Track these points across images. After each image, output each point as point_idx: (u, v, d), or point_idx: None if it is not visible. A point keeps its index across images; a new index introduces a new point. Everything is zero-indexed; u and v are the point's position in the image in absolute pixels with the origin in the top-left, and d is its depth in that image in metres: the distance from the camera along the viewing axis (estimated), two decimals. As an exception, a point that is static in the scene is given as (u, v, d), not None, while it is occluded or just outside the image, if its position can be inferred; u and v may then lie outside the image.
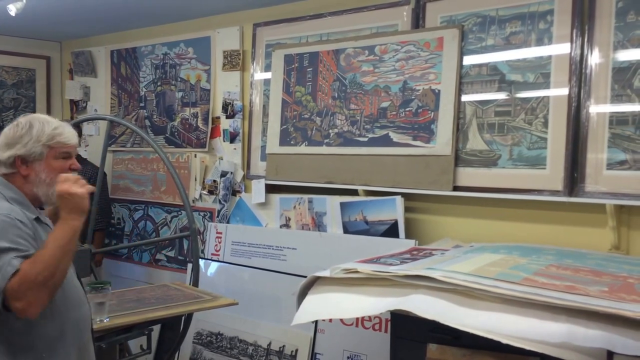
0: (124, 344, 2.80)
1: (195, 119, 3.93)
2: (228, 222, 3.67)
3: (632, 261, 2.16)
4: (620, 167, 2.34)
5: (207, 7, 3.64)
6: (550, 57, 2.52)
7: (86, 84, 4.71)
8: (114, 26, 4.28)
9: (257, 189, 3.46)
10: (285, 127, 3.34)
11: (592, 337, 1.47)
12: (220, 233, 3.62)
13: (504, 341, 1.54)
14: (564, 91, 2.47)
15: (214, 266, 3.56)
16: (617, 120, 2.36)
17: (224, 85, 3.77)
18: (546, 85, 2.52)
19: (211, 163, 3.85)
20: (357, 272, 1.89)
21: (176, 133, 4.04)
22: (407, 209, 2.92)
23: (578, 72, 2.44)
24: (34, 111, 4.81)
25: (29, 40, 4.81)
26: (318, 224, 3.22)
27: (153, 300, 2.71)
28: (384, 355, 2.40)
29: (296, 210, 3.32)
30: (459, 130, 2.74)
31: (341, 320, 2.94)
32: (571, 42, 2.45)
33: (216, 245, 3.62)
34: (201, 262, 3.49)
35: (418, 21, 2.90)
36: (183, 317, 3.03)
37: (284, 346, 3.15)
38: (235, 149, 3.71)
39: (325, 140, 3.17)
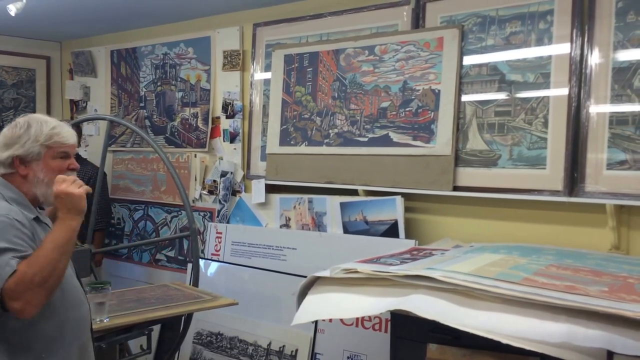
0: (124, 344, 2.80)
1: (195, 119, 3.93)
2: (228, 222, 3.67)
3: (632, 261, 2.16)
4: (620, 167, 2.34)
5: (207, 7, 3.64)
6: (550, 57, 2.52)
7: (86, 84, 4.71)
8: (114, 26, 4.28)
9: (257, 189, 3.46)
10: (285, 127, 3.34)
11: (592, 337, 1.47)
12: (220, 233, 3.62)
13: (504, 341, 1.54)
14: (564, 91, 2.47)
15: (214, 266, 3.56)
16: (617, 120, 2.36)
17: (224, 85, 3.77)
18: (546, 85, 2.52)
19: (211, 163, 3.85)
20: (357, 272, 1.89)
21: (176, 133, 4.04)
22: (407, 209, 2.92)
23: (578, 72, 2.44)
24: (34, 111, 4.81)
25: (29, 40, 4.81)
26: (318, 224, 3.22)
27: (153, 300, 2.71)
28: (384, 355, 2.40)
29: (296, 210, 3.32)
30: (459, 130, 2.74)
31: (341, 320, 2.94)
32: (571, 42, 2.45)
33: (216, 245, 3.62)
34: (201, 262, 3.49)
35: (418, 21, 2.90)
36: (183, 317, 3.03)
37: (284, 346, 3.15)
38: (235, 149, 3.71)
39: (325, 140, 3.17)
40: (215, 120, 3.82)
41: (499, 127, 2.64)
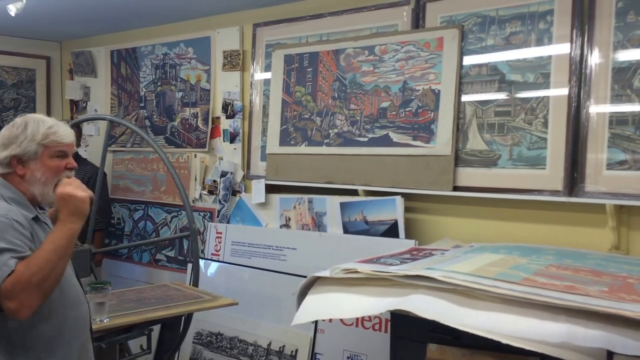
0: (124, 344, 2.81)
1: (195, 119, 3.93)
2: (228, 222, 3.67)
3: (632, 261, 2.16)
4: (620, 167, 2.34)
5: (207, 7, 3.64)
6: (550, 57, 2.52)
7: (86, 84, 4.71)
8: (114, 26, 4.28)
9: (257, 189, 3.46)
10: (285, 127, 3.34)
11: (592, 337, 1.47)
12: (220, 233, 3.62)
13: (504, 341, 1.54)
14: (564, 91, 2.47)
15: (214, 266, 3.56)
16: (617, 120, 2.36)
17: (224, 85, 3.77)
18: (546, 85, 2.52)
19: (211, 163, 3.85)
20: (357, 272, 1.89)
21: (176, 133, 4.05)
22: (407, 209, 2.92)
23: (578, 72, 2.44)
24: (34, 111, 4.81)
25: (29, 40, 4.81)
26: (318, 224, 3.22)
27: (153, 300, 2.71)
28: (384, 355, 2.40)
29: (296, 210, 3.32)
30: (459, 130, 2.74)
31: (341, 320, 2.94)
32: (571, 42, 2.45)
33: (216, 245, 3.62)
34: (201, 262, 3.49)
35: (418, 21, 2.90)
36: (183, 317, 3.02)
37: (284, 346, 3.15)
38: (235, 149, 3.71)
39: (325, 141, 3.17)
40: (215, 120, 3.82)
41: (499, 127, 2.64)
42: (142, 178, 4.27)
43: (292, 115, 3.32)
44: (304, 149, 3.25)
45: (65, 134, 1.83)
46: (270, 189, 3.44)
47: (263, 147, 3.51)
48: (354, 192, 3.07)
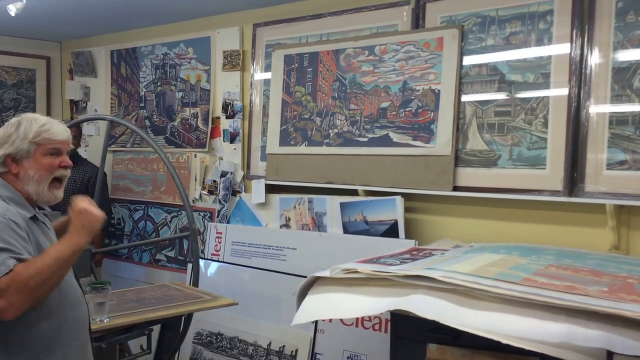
0: (124, 344, 2.80)
1: (195, 119, 3.93)
2: (228, 222, 3.67)
3: (632, 261, 2.16)
4: (620, 167, 2.34)
5: (207, 7, 3.64)
6: (550, 57, 2.52)
7: (86, 84, 4.71)
8: (114, 26, 4.28)
9: (257, 189, 3.46)
10: (285, 127, 3.34)
11: (592, 337, 1.47)
12: (220, 233, 3.62)
13: (504, 341, 1.54)
14: (564, 91, 2.47)
15: (214, 266, 3.56)
16: (617, 120, 2.36)
17: (224, 85, 3.77)
18: (546, 85, 2.52)
19: (211, 163, 3.85)
20: (357, 272, 1.89)
21: (176, 133, 4.04)
22: (407, 209, 2.92)
23: (578, 72, 2.44)
24: (34, 111, 4.80)
25: (29, 40, 4.81)
26: (318, 224, 3.22)
27: (153, 300, 2.71)
28: (384, 355, 2.40)
29: (296, 210, 3.32)
30: (459, 131, 2.74)
31: (341, 320, 2.94)
32: (571, 42, 2.46)
33: (216, 245, 3.62)
34: (201, 262, 3.49)
35: (418, 21, 2.90)
36: (183, 317, 3.03)
37: (284, 346, 3.15)
38: (235, 149, 3.71)
39: (325, 141, 3.17)
40: (215, 120, 3.82)
41: (498, 127, 2.64)
42: (142, 178, 4.27)
43: (292, 115, 3.32)
44: (304, 149, 3.25)
45: (59, 131, 1.84)
46: (270, 189, 3.44)
47: (263, 147, 3.51)
48: (354, 192, 3.07)
